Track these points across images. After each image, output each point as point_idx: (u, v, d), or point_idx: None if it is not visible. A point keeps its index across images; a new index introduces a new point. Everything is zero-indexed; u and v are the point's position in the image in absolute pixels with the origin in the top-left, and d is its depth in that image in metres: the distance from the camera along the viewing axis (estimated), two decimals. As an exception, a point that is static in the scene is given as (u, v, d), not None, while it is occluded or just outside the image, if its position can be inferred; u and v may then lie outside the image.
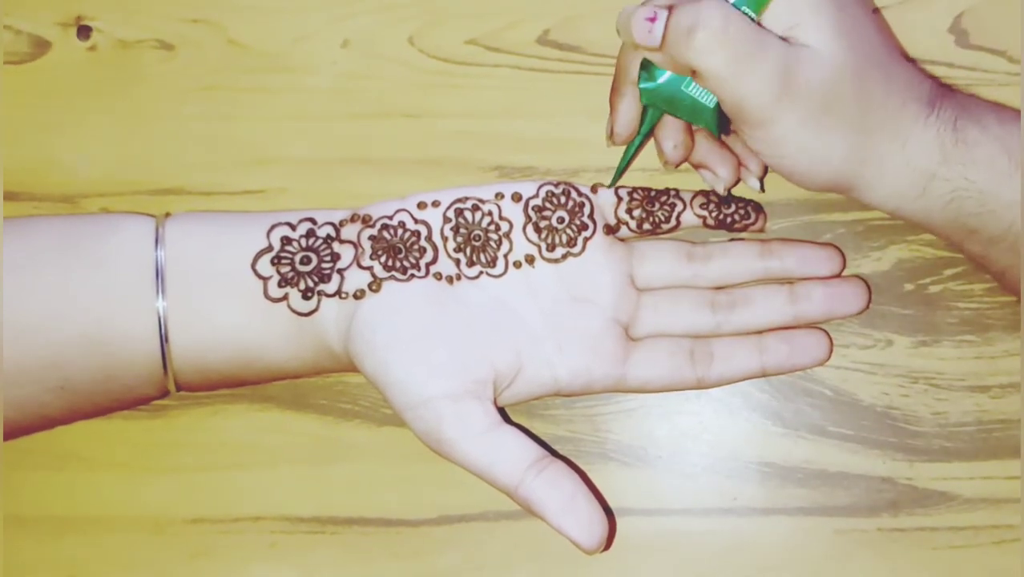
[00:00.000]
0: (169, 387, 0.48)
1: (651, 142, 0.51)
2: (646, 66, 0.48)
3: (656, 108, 0.49)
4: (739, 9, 0.46)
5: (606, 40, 0.54)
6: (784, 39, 0.46)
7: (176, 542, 0.52)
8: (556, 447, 0.52)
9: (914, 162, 0.47)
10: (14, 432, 0.49)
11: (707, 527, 0.52)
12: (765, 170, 0.51)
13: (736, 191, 0.52)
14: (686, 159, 0.51)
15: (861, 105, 0.46)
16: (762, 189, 0.51)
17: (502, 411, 0.49)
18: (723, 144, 0.51)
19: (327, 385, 0.53)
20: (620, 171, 0.51)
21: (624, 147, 0.51)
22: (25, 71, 0.55)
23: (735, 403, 0.52)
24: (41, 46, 0.55)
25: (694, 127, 0.50)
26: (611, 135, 0.51)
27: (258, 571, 0.52)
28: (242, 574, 0.52)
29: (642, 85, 0.48)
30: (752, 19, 0.46)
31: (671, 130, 0.50)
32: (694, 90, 0.48)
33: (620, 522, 0.52)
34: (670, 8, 0.46)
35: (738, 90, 0.45)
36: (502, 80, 0.54)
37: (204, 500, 0.52)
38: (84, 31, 0.55)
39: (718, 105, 0.48)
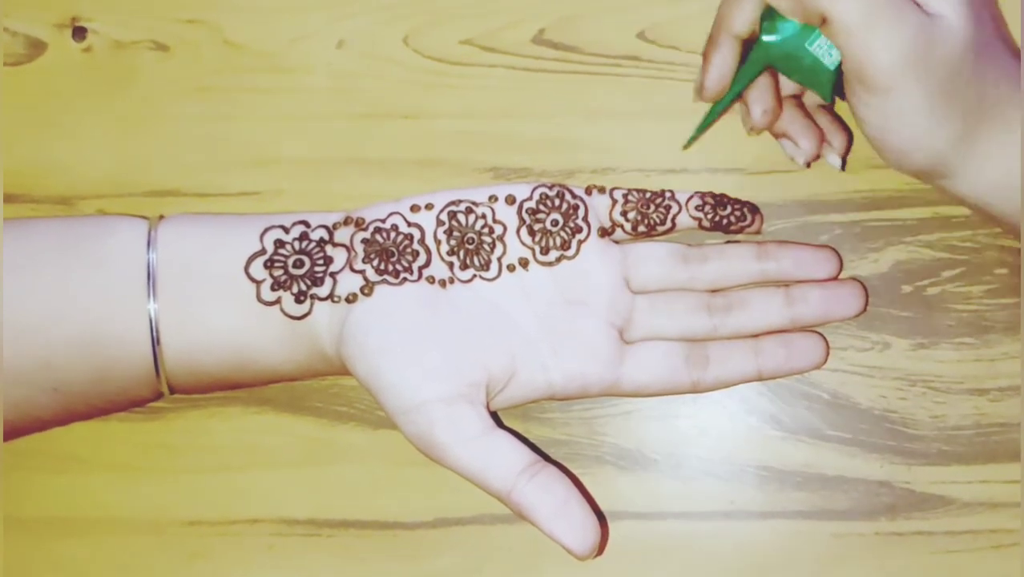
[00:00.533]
0: (162, 389, 0.48)
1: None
2: (770, 16, 0.47)
3: (770, 63, 0.47)
4: None
5: (602, 40, 0.54)
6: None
7: (174, 544, 0.52)
8: (552, 451, 0.52)
9: (1018, 154, 0.46)
10: (10, 433, 0.49)
11: (705, 531, 0.52)
12: (848, 148, 0.51)
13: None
14: (771, 126, 0.50)
15: (977, 87, 0.45)
16: (843, 167, 0.51)
17: (495, 415, 0.49)
18: (808, 115, 0.50)
19: (323, 388, 0.52)
20: (701, 130, 0.50)
21: (710, 105, 0.50)
22: (21, 72, 0.55)
23: (732, 406, 0.52)
24: (37, 47, 0.55)
25: (792, 93, 0.49)
26: (700, 91, 0.49)
27: (255, 573, 0.52)
28: (239, 576, 0.52)
29: (764, 38, 0.47)
30: None
31: (762, 93, 0.49)
32: (818, 48, 0.46)
33: (617, 526, 0.51)
34: None
35: (867, 44, 0.44)
36: (497, 80, 0.54)
37: (201, 502, 0.52)
38: (80, 32, 0.55)
39: (838, 68, 0.46)
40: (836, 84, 0.47)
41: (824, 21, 0.45)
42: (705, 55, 0.49)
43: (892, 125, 0.46)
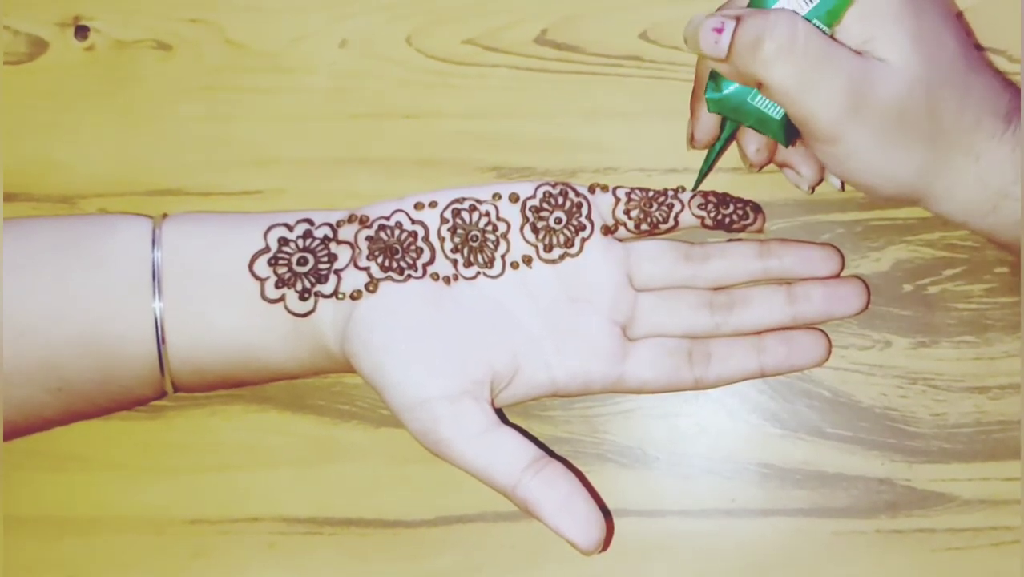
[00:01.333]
0: (166, 388, 0.48)
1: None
2: (714, 76, 0.48)
3: (723, 116, 0.49)
4: (811, 22, 0.45)
5: (604, 40, 0.54)
6: (858, 52, 0.45)
7: (175, 543, 0.52)
8: (554, 448, 0.52)
9: (986, 179, 0.46)
10: (12, 433, 0.49)
11: (705, 528, 0.52)
12: None
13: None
14: (770, 161, 0.51)
15: (934, 121, 0.45)
16: (842, 188, 0.51)
17: (499, 412, 0.49)
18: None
19: (325, 386, 0.52)
20: (702, 176, 0.51)
21: (705, 152, 0.51)
22: (23, 71, 0.55)
23: (733, 404, 0.52)
24: (39, 46, 0.55)
25: None
26: (691, 140, 0.51)
27: (256, 572, 0.52)
28: (240, 575, 0.52)
29: (708, 95, 0.48)
30: (825, 32, 0.45)
31: (753, 134, 0.50)
32: (760, 102, 0.47)
33: (618, 524, 0.52)
34: (738, 19, 0.45)
35: (805, 105, 0.45)
36: (500, 80, 0.54)
37: (202, 501, 0.52)
38: (82, 31, 0.55)
39: (786, 116, 0.47)
40: (790, 128, 0.48)
41: (760, 85, 0.46)
42: (691, 108, 0.50)
43: (850, 166, 0.47)
